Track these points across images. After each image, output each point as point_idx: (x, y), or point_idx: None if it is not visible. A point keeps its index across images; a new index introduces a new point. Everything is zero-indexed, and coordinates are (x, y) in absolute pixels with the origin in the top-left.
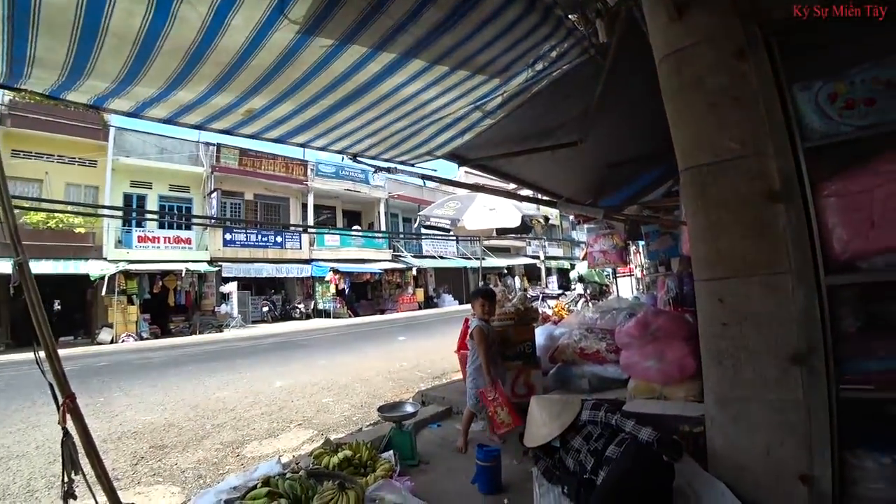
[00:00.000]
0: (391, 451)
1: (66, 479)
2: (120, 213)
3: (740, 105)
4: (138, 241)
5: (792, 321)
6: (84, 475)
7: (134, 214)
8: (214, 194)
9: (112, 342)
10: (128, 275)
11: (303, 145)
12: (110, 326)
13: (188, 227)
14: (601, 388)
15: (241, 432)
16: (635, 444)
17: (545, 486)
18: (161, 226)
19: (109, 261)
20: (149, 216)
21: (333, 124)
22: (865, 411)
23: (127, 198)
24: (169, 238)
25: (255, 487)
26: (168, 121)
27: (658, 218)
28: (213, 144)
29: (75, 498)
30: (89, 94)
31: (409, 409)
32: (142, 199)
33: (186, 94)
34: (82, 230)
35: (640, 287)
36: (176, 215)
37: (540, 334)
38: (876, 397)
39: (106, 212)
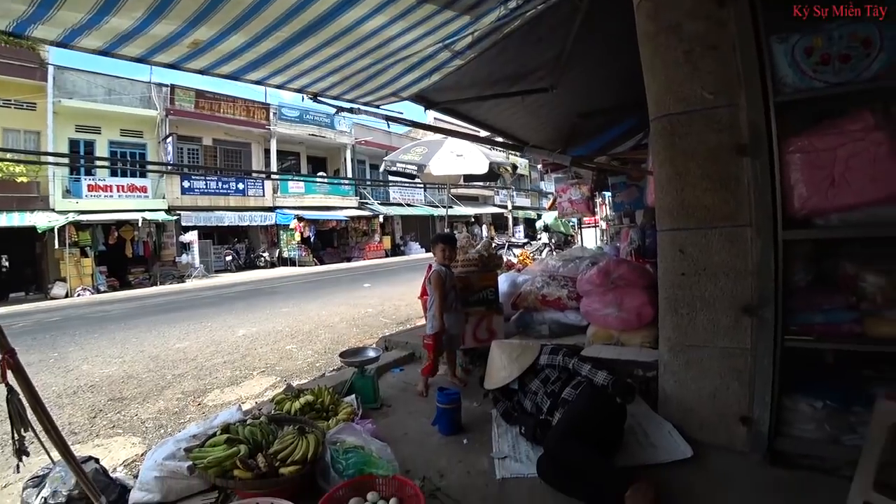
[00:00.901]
0: (353, 396)
1: (16, 437)
2: (66, 161)
3: (716, 54)
4: (88, 191)
5: (748, 273)
6: (34, 431)
7: (82, 161)
8: (170, 139)
9: (67, 296)
10: (79, 226)
11: (258, 82)
12: (64, 280)
13: (143, 175)
14: (561, 334)
15: (203, 381)
16: (591, 386)
17: (503, 427)
18: (113, 173)
19: (58, 212)
20: (98, 163)
21: (291, 60)
22: (806, 360)
23: (73, 144)
24: (122, 186)
25: (214, 435)
26: (105, 52)
27: (626, 167)
28: (167, 85)
29: (28, 454)
30: (6, 20)
31: (371, 354)
32: (90, 145)
33: (121, 21)
34: (25, 179)
35: (605, 238)
36: (129, 162)
37: (503, 281)
38: (816, 347)
39: (51, 159)
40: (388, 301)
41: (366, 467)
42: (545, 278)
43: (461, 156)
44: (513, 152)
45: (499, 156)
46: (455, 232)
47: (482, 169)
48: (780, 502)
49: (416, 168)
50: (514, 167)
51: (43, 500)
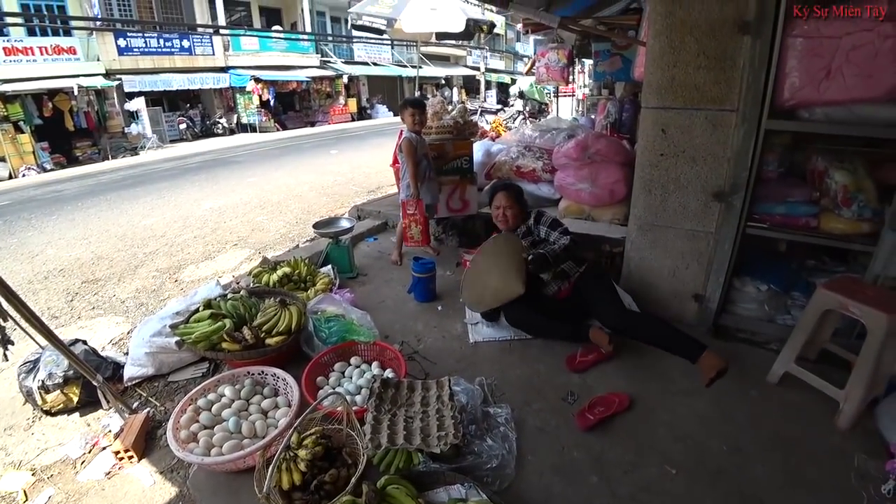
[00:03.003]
0: (329, 266)
1: None
2: None
3: None
4: (5, 55)
5: (725, 159)
6: (14, 320)
7: None
8: None
9: (11, 178)
10: (4, 98)
11: None
12: (3, 161)
13: (67, 33)
14: (533, 207)
15: (176, 257)
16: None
17: None
18: (31, 33)
19: None
20: (9, 20)
21: None
22: (760, 246)
23: None
24: (46, 48)
25: (197, 311)
26: None
27: (614, 34)
28: None
29: (12, 343)
30: None
31: (345, 224)
32: None
33: None
34: None
35: (580, 108)
36: (47, 17)
37: (478, 150)
38: (774, 236)
39: None
40: (358, 168)
41: (347, 334)
42: (520, 149)
43: (435, 9)
44: (491, 7)
45: (476, 11)
46: (427, 95)
47: (458, 27)
48: None
49: (385, 22)
50: (492, 25)
51: (41, 382)
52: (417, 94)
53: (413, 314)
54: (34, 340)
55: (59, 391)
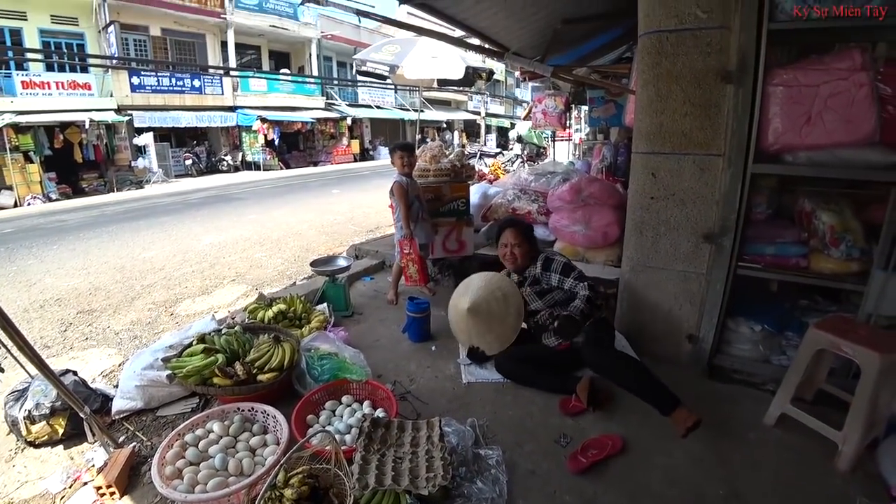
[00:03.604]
0: (325, 304)
1: None
2: None
3: None
4: (23, 88)
5: (714, 202)
6: (6, 348)
7: (10, 54)
8: (111, 28)
9: (16, 206)
10: (18, 128)
11: None
12: (11, 189)
13: (84, 70)
14: None
15: (173, 291)
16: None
17: None
18: (50, 68)
19: None
20: (31, 56)
21: None
22: (752, 286)
23: None
24: (62, 83)
25: (191, 345)
26: None
27: (607, 83)
28: None
29: (2, 370)
30: None
31: (342, 262)
32: (16, 34)
33: None
34: None
35: (577, 153)
36: (67, 55)
37: (475, 192)
38: (765, 276)
39: None
40: (358, 208)
41: (340, 373)
42: (516, 192)
43: (436, 57)
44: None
45: (475, 59)
46: (427, 139)
47: (458, 74)
48: (711, 409)
49: (388, 69)
50: (491, 72)
51: (27, 412)
52: (418, 137)
53: (406, 354)
54: (24, 369)
55: (45, 422)
